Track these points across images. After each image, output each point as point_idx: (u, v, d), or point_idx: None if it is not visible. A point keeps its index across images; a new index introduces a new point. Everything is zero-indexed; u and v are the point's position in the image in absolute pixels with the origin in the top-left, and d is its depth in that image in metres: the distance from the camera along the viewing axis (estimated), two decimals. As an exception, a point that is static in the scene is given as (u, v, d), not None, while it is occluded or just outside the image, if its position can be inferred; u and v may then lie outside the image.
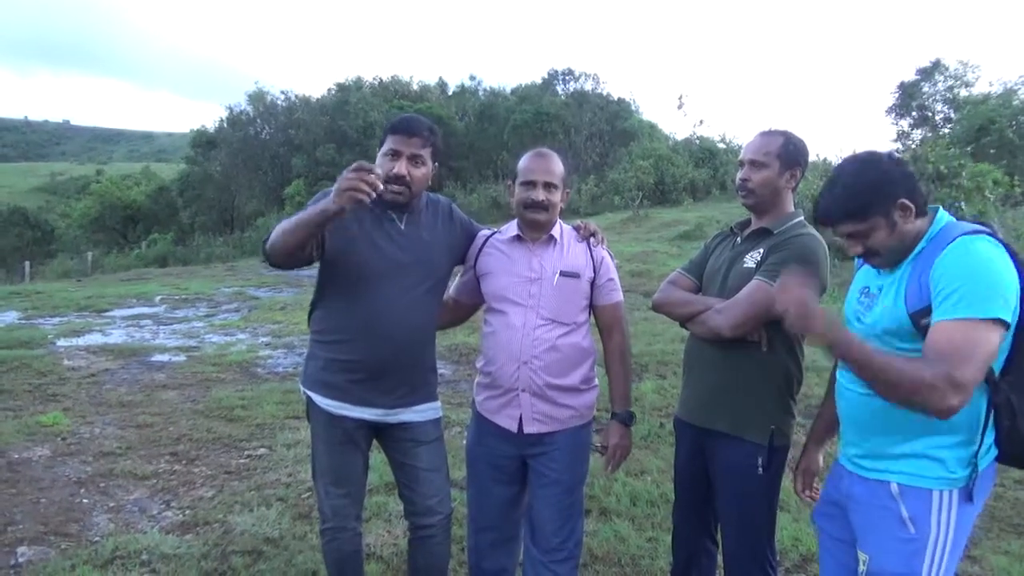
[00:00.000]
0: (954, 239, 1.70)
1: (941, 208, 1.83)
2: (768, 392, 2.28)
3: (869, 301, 1.87)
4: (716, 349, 2.31)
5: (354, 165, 2.01)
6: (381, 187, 2.01)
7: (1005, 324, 1.63)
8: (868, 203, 1.75)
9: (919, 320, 1.70)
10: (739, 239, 2.44)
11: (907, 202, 1.75)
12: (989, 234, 1.72)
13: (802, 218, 2.37)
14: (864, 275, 1.96)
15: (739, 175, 2.39)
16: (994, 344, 1.62)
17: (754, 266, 2.28)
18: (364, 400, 2.37)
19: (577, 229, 2.52)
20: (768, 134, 2.36)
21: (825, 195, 1.82)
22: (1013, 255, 1.69)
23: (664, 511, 3.68)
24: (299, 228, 2.12)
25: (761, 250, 2.30)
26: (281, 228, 2.18)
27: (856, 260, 2.02)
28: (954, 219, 1.81)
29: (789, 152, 2.32)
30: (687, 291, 2.48)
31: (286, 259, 2.23)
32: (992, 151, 19.76)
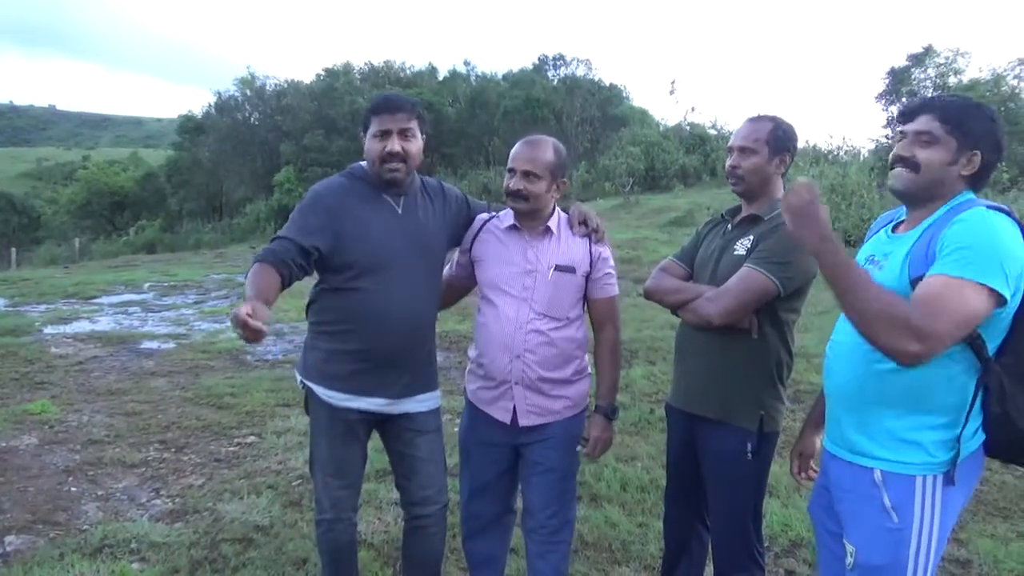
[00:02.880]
0: (971, 208, 1.69)
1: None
2: (758, 378, 2.29)
3: (874, 268, 1.85)
4: (707, 336, 2.31)
5: (239, 321, 1.90)
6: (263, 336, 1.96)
7: (999, 297, 1.59)
8: (966, 123, 1.74)
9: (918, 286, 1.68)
10: (730, 226, 2.44)
11: (982, 156, 1.74)
12: (1008, 213, 1.70)
13: (792, 204, 2.36)
14: (872, 244, 1.95)
15: (728, 162, 2.38)
16: (976, 308, 1.58)
17: (744, 253, 2.27)
18: (369, 390, 2.35)
19: (569, 216, 2.46)
20: (756, 120, 2.35)
21: (938, 95, 1.81)
22: None
23: (654, 497, 3.70)
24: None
25: (751, 237, 2.29)
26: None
27: (868, 231, 2.01)
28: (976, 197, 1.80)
29: (778, 138, 2.31)
30: (678, 278, 2.48)
31: None
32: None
